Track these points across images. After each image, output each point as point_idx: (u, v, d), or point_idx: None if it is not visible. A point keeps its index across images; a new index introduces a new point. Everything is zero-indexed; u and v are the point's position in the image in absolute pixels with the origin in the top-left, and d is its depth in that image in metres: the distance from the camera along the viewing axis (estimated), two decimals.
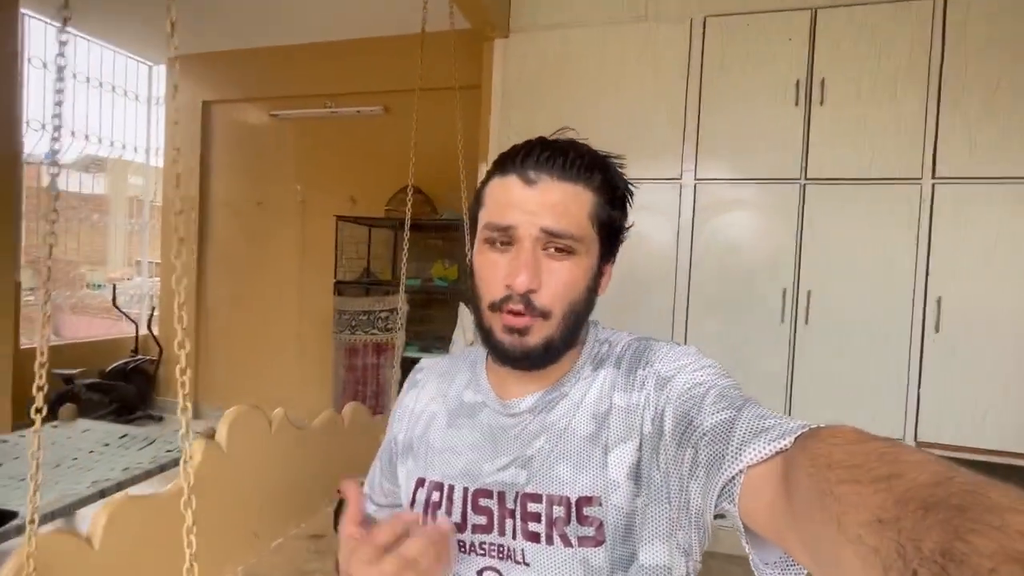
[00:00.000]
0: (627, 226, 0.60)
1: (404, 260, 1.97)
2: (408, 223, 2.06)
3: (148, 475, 1.99)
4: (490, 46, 2.62)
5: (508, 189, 0.54)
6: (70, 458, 2.22)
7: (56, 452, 2.27)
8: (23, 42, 3.40)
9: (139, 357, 4.06)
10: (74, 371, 3.59)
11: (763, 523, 0.38)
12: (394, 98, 3.40)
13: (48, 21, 3.50)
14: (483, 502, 0.55)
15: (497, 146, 2.59)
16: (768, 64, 2.25)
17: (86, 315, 4.13)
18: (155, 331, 4.16)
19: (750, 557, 0.41)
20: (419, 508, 0.58)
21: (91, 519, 0.99)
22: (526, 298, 0.53)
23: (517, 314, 0.53)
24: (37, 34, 3.54)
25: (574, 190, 0.54)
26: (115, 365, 3.88)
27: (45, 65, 3.58)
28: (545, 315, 0.53)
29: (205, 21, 3.39)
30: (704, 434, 0.44)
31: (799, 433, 0.37)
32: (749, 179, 2.30)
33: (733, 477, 0.40)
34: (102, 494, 1.89)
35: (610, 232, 0.57)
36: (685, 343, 2.36)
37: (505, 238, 0.54)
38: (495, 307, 0.54)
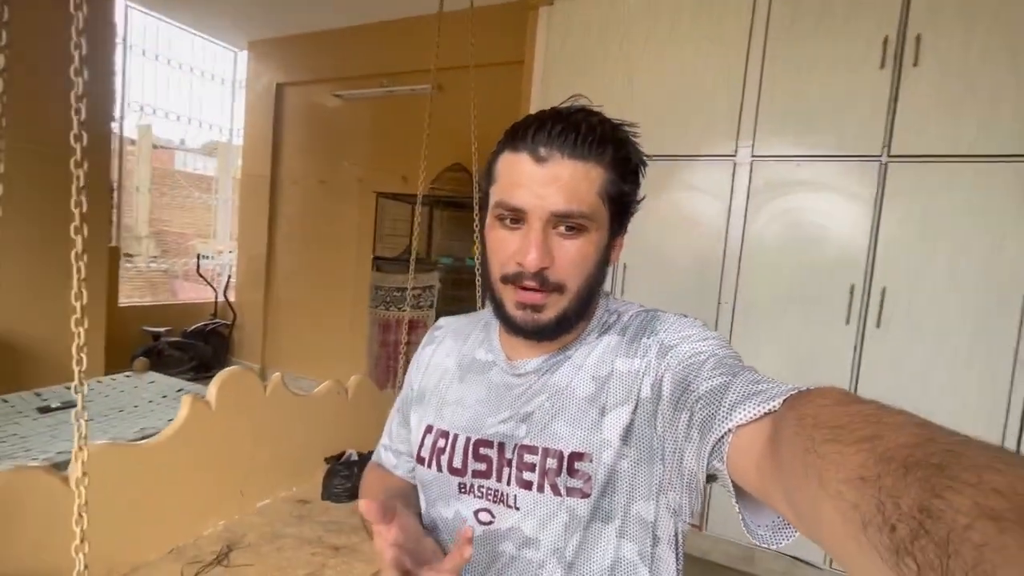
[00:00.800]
0: (638, 199, 0.59)
1: (413, 236, 1.91)
2: (416, 200, 2.00)
3: None
4: (535, 15, 2.49)
5: (519, 166, 0.54)
6: (132, 405, 2.46)
7: (122, 399, 2.53)
8: (126, 30, 3.79)
9: (216, 320, 4.45)
10: (161, 329, 4.01)
11: (751, 481, 0.39)
12: (444, 76, 3.35)
13: (146, 11, 3.86)
14: (483, 451, 0.59)
15: None
16: (850, 18, 1.92)
17: (200, 282, 4.61)
18: (231, 298, 4.54)
19: (741, 519, 0.42)
20: (426, 452, 0.63)
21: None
22: (540, 275, 0.54)
23: (532, 290, 0.54)
24: (137, 22, 3.93)
25: (584, 168, 0.53)
26: (195, 326, 4.27)
27: (144, 53, 3.96)
28: (560, 289, 0.55)
29: (278, 6, 3.56)
30: (699, 398, 0.46)
31: (788, 395, 0.38)
32: (816, 156, 1.99)
33: (722, 436, 0.41)
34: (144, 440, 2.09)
35: (621, 206, 0.57)
36: (730, 341, 2.15)
37: (516, 217, 0.55)
38: (507, 279, 0.56)
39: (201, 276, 4.47)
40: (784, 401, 0.38)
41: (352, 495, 1.44)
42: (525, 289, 0.54)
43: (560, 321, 0.56)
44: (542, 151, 0.53)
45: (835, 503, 0.26)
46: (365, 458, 1.55)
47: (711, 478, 0.45)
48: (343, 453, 1.53)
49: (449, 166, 3.17)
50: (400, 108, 3.76)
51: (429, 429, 0.64)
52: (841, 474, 0.26)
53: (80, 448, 0.92)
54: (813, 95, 1.98)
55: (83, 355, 0.90)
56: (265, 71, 4.30)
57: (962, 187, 1.79)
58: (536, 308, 0.55)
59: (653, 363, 0.54)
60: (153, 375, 2.85)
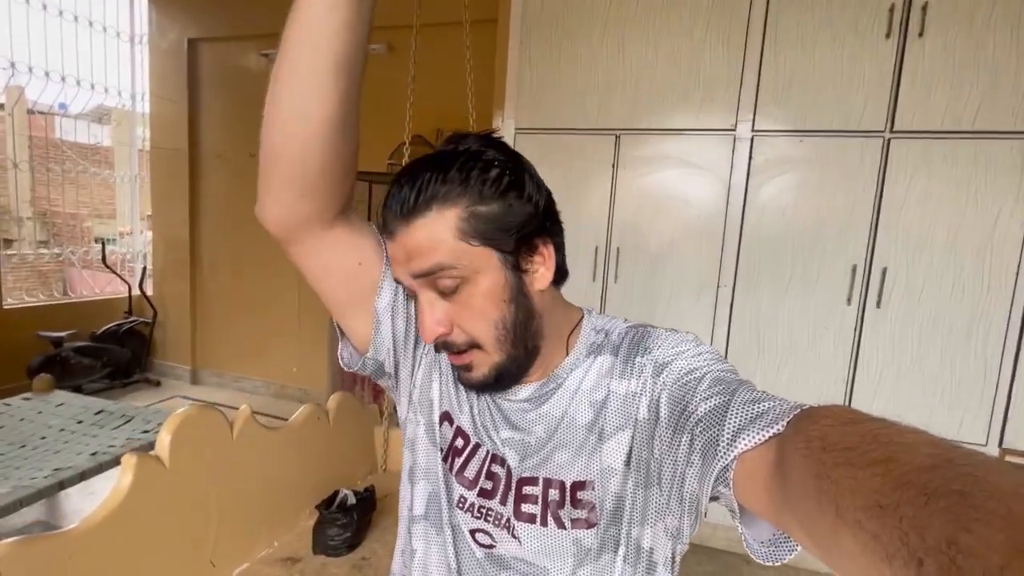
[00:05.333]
0: (532, 199, 0.50)
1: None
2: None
3: (117, 462, 1.77)
4: None
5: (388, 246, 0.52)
6: (38, 437, 2.01)
7: (23, 430, 2.06)
8: None
9: (133, 319, 3.86)
10: (63, 333, 3.39)
11: (760, 505, 0.38)
12: (400, 35, 2.98)
13: None
14: (495, 468, 0.56)
15: (515, 87, 2.20)
16: None
17: (105, 272, 3.90)
18: (149, 291, 3.94)
19: (743, 537, 0.42)
20: (441, 444, 0.58)
21: None
22: (445, 343, 0.52)
23: (453, 355, 0.52)
24: None
25: (428, 221, 0.48)
26: (107, 327, 3.67)
27: None
28: (475, 345, 0.51)
29: None
30: (699, 421, 0.44)
31: (791, 415, 0.37)
32: (818, 131, 1.91)
33: (728, 464, 0.40)
34: (61, 485, 1.68)
35: (502, 228, 0.49)
36: (729, 324, 2.07)
37: (408, 292, 0.53)
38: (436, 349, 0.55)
39: (108, 267, 3.83)
40: (788, 421, 0.37)
41: (352, 546, 1.19)
42: (451, 353, 0.52)
43: (501, 374, 0.52)
44: (389, 226, 0.50)
45: (854, 533, 0.25)
46: (362, 499, 1.30)
47: (713, 499, 0.44)
48: (335, 495, 1.26)
49: (411, 139, 2.83)
50: None
51: (447, 417, 0.59)
52: (858, 501, 0.25)
53: None
54: (817, 66, 1.87)
55: None
56: (172, 24, 3.65)
57: (963, 164, 1.77)
58: (467, 368, 0.52)
59: (649, 383, 0.51)
60: (61, 395, 2.36)
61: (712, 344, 2.07)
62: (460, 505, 0.57)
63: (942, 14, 1.75)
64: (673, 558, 0.55)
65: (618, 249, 2.14)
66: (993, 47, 1.71)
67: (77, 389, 3.12)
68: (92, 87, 3.85)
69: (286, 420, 1.37)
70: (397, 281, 0.53)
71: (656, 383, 0.51)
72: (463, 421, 0.58)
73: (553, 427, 0.55)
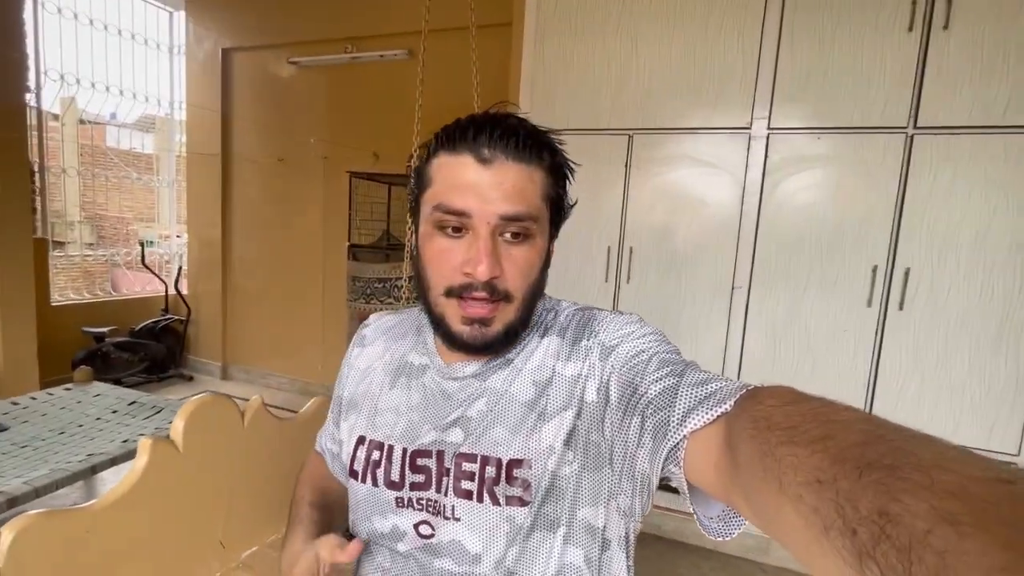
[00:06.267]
0: (571, 204, 0.58)
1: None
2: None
3: None
4: None
5: (460, 168, 0.52)
6: (76, 424, 2.14)
7: (63, 417, 2.20)
8: None
9: (169, 316, 4.04)
10: (105, 329, 3.59)
11: (710, 483, 0.39)
12: (417, 41, 3.04)
13: None
14: (421, 461, 0.56)
15: (529, 89, 2.22)
16: None
17: (145, 272, 4.13)
18: (184, 290, 4.13)
19: (695, 515, 0.43)
20: (359, 465, 0.59)
21: None
22: (490, 285, 0.51)
23: (481, 301, 0.52)
24: None
25: (528, 171, 0.52)
26: (145, 324, 3.86)
27: (60, 10, 3.42)
28: (508, 298, 0.53)
29: None
30: (649, 402, 0.45)
31: (738, 395, 0.39)
32: (837, 128, 1.86)
33: (678, 443, 0.41)
34: (93, 470, 1.79)
35: (559, 210, 0.57)
36: (744, 326, 2.03)
37: (458, 223, 0.52)
38: (452, 292, 0.53)
39: (147, 267, 4.03)
40: (735, 402, 0.38)
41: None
42: (473, 300, 0.52)
43: (507, 333, 0.54)
44: (486, 152, 0.51)
45: (795, 506, 0.27)
46: None
47: (663, 479, 0.45)
48: None
49: (427, 141, 2.89)
50: (367, 77, 3.40)
51: (362, 440, 0.61)
52: (799, 477, 0.27)
53: None
54: (835, 61, 1.83)
55: None
56: (208, 34, 3.82)
57: (992, 160, 1.70)
58: (484, 322, 0.53)
59: (597, 365, 0.52)
60: (99, 386, 2.50)
61: (728, 347, 2.04)
62: (400, 504, 0.57)
63: (968, 5, 1.68)
64: (627, 536, 0.56)
65: (631, 249, 2.13)
66: (1022, 37, 1.63)
67: (117, 382, 3.29)
68: (134, 96, 4.06)
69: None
70: (443, 207, 0.52)
71: (604, 366, 0.52)
72: (376, 433, 0.60)
73: (494, 402, 0.56)
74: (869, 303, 1.86)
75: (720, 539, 0.43)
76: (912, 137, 1.78)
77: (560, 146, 0.56)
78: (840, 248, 1.88)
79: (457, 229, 0.52)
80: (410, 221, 0.56)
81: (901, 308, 1.83)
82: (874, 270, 1.84)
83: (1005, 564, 0.18)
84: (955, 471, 0.22)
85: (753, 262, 1.99)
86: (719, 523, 0.43)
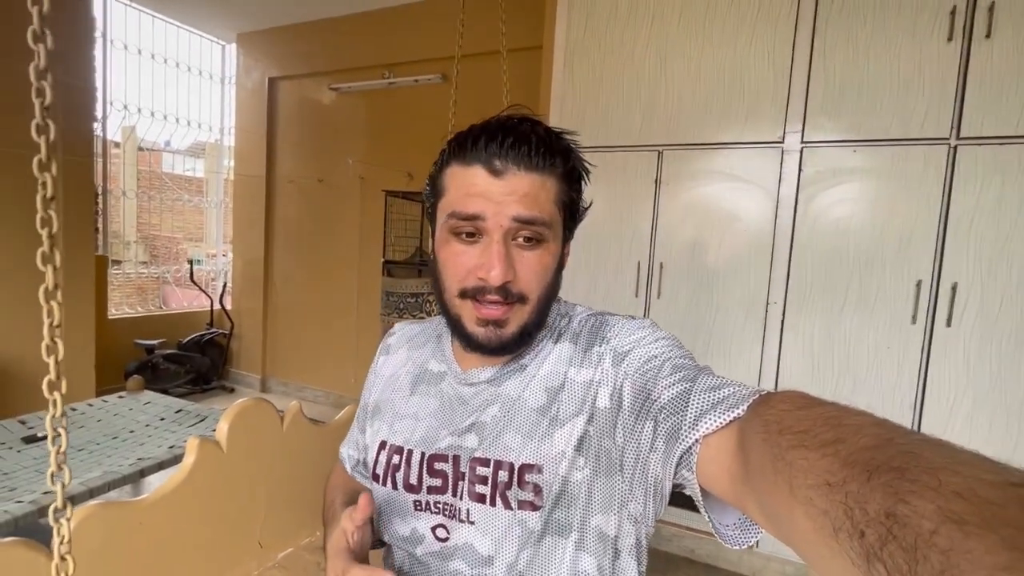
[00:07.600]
0: (585, 206, 0.59)
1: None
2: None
3: None
4: None
5: (472, 179, 0.52)
6: (127, 430, 2.26)
7: (116, 424, 2.32)
8: (106, 24, 3.54)
9: (213, 330, 4.23)
10: (155, 342, 3.79)
11: (723, 488, 0.39)
12: (450, 65, 3.16)
13: (128, 3, 3.61)
14: (438, 466, 0.57)
15: (559, 107, 2.27)
16: None
17: (192, 288, 4.39)
18: (228, 305, 4.31)
19: (710, 522, 0.43)
20: (381, 469, 0.61)
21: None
22: (504, 288, 0.52)
23: (494, 303, 0.53)
24: (118, 16, 3.67)
25: (541, 179, 0.52)
26: (191, 337, 4.05)
27: (126, 47, 3.71)
28: (523, 299, 0.53)
29: None
30: (662, 408, 0.45)
31: (751, 399, 0.39)
32: (874, 141, 1.82)
33: (690, 447, 0.42)
34: (142, 473, 1.88)
35: (573, 214, 0.57)
36: (780, 342, 1.98)
37: (472, 229, 0.52)
38: (466, 294, 0.54)
39: (195, 284, 4.24)
40: (748, 406, 0.38)
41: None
42: (488, 302, 0.52)
43: (522, 334, 0.55)
44: (497, 163, 0.51)
45: (806, 509, 0.27)
46: None
47: (677, 486, 0.44)
48: None
49: None
50: (403, 101, 3.54)
51: (383, 445, 0.62)
52: (809, 480, 0.27)
53: (58, 519, 0.73)
54: (871, 73, 1.80)
55: (61, 381, 0.71)
56: (256, 65, 4.07)
57: None
58: (499, 323, 0.53)
59: (609, 372, 0.53)
60: (149, 395, 2.64)
61: (763, 364, 1.99)
62: (418, 507, 0.58)
63: (1012, 13, 1.64)
64: (639, 542, 0.56)
65: (661, 265, 2.12)
66: None
67: (164, 392, 3.46)
68: (188, 124, 4.34)
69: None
70: (456, 215, 0.53)
71: (617, 372, 0.52)
72: (396, 438, 0.61)
73: (507, 407, 0.56)
74: (914, 319, 1.79)
75: (737, 547, 0.43)
76: (955, 148, 1.72)
77: (575, 147, 0.56)
78: (880, 263, 1.83)
79: (471, 235, 0.52)
80: (431, 230, 0.60)
81: (948, 324, 1.75)
82: (918, 285, 1.78)
83: (1009, 563, 0.18)
84: (963, 473, 0.22)
85: (788, 277, 1.95)
86: (736, 531, 0.43)
